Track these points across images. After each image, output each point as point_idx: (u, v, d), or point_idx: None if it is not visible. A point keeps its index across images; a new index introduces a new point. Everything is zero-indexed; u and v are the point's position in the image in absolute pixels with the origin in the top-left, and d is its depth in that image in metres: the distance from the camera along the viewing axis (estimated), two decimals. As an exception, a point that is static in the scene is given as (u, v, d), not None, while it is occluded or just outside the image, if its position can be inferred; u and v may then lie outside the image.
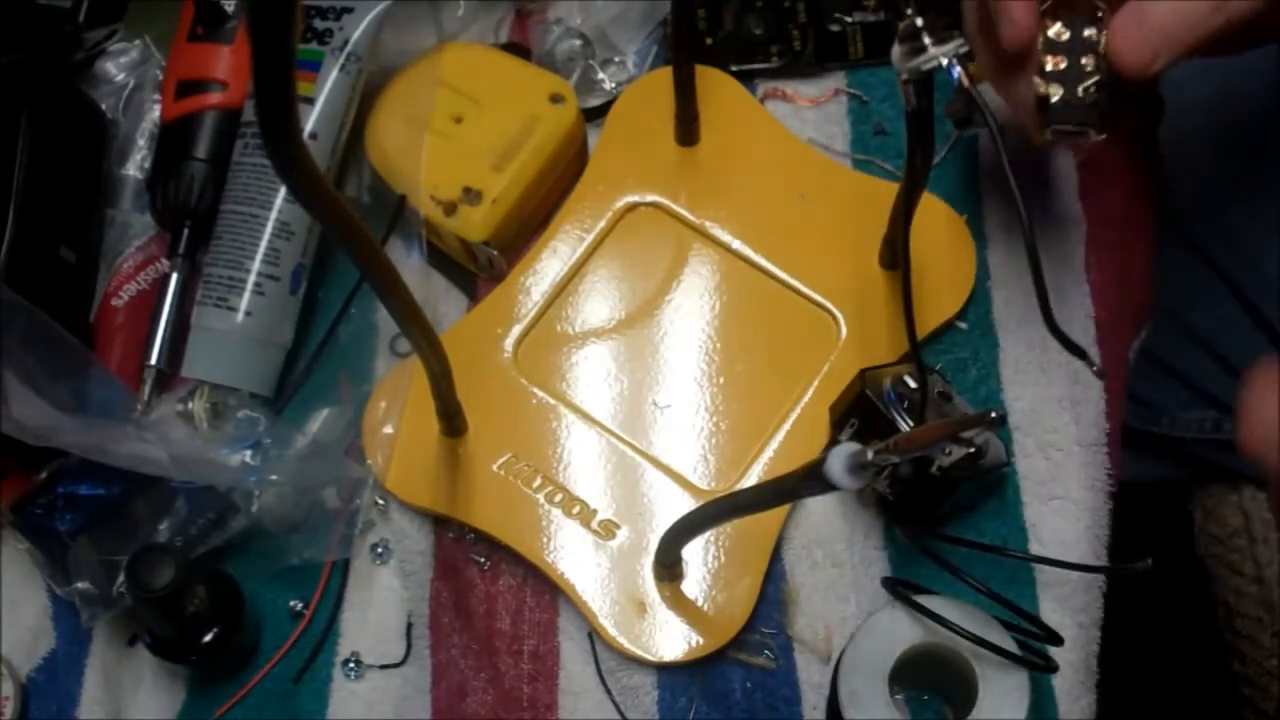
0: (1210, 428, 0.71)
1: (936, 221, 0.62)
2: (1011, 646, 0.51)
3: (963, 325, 0.61)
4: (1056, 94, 0.50)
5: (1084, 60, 0.50)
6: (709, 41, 0.66)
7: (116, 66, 0.68)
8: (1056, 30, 0.50)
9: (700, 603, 0.56)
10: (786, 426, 0.59)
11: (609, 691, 0.56)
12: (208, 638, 0.55)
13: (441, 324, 0.63)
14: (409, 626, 0.59)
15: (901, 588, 0.53)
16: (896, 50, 0.47)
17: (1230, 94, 0.72)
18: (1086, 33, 0.50)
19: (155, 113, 0.66)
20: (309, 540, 0.58)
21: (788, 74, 0.66)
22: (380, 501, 0.60)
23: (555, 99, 0.63)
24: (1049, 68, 0.50)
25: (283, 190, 0.60)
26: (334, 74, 0.62)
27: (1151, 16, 0.49)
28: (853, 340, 0.60)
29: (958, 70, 0.47)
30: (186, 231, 0.63)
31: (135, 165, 0.66)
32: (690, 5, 0.60)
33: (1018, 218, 0.50)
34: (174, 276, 0.62)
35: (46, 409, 0.53)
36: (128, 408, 0.59)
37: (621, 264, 0.63)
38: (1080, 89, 0.50)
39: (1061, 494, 0.58)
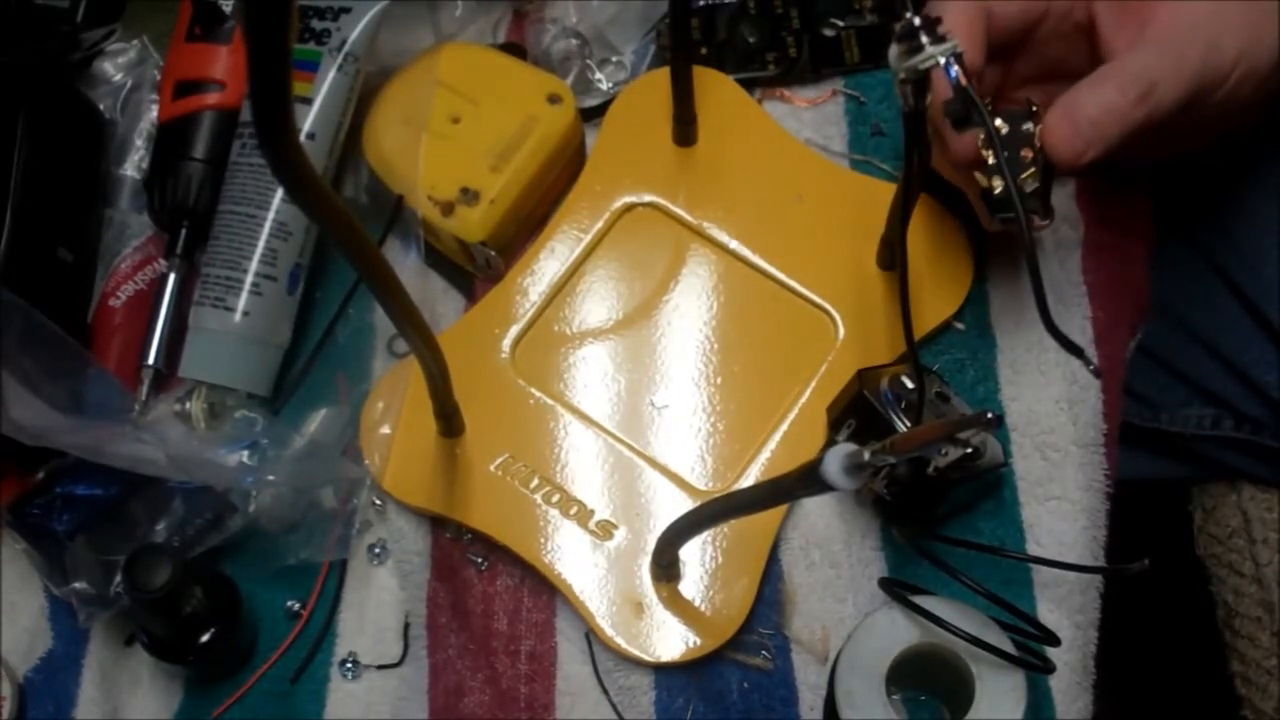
0: (1209, 424, 0.72)
1: (934, 222, 0.62)
2: (1008, 647, 0.51)
3: (960, 326, 0.61)
4: (999, 185, 0.52)
5: (1023, 153, 0.53)
6: (704, 50, 0.66)
7: (114, 66, 0.68)
8: (997, 126, 0.53)
9: (698, 603, 0.56)
10: (784, 427, 0.59)
11: (606, 692, 0.56)
12: (205, 638, 0.55)
13: (439, 324, 0.63)
14: (406, 627, 0.58)
15: (898, 588, 0.53)
16: (893, 50, 0.46)
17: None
18: (1025, 127, 0.53)
19: (153, 113, 0.66)
20: (306, 540, 0.58)
21: (785, 81, 0.66)
22: (378, 502, 0.60)
23: (553, 99, 0.63)
24: (991, 161, 0.52)
25: (280, 190, 0.60)
26: (331, 74, 0.61)
27: (1082, 110, 0.52)
28: (850, 341, 0.60)
29: (955, 69, 0.47)
30: (184, 231, 0.63)
31: (133, 165, 0.66)
32: (688, 5, 0.59)
33: (1015, 219, 0.50)
34: (171, 277, 0.62)
35: (44, 409, 0.53)
36: (125, 408, 0.59)
37: (619, 264, 0.63)
38: (1021, 179, 0.53)
39: (1059, 494, 0.58)
